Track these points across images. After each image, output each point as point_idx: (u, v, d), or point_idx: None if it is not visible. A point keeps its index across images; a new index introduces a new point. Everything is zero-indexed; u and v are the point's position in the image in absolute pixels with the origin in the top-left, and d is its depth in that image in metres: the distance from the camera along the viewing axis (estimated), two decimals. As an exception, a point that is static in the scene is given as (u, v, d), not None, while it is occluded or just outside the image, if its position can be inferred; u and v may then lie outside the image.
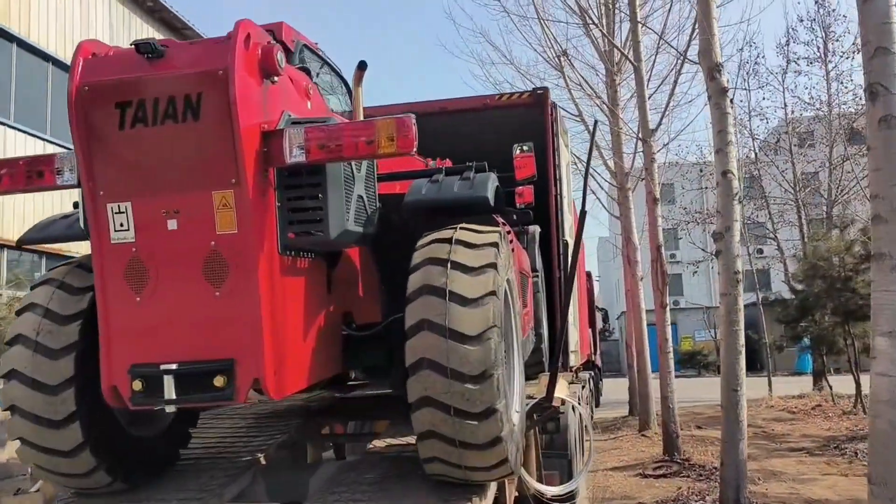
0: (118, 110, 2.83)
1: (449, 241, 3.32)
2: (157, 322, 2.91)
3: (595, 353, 19.19)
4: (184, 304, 2.91)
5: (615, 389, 23.13)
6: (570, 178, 8.06)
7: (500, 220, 4.42)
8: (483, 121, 7.32)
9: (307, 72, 3.89)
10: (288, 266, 3.13)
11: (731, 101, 7.12)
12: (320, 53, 5.07)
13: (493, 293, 3.15)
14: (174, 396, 2.83)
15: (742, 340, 7.20)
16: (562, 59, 12.55)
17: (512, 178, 6.63)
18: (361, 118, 4.02)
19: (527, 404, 4.48)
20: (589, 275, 18.16)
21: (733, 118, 7.14)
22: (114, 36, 15.29)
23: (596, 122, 4.92)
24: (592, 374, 18.07)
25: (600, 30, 12.49)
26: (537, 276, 6.46)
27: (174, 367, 2.83)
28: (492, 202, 3.48)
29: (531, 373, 6.62)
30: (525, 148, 6.46)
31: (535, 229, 6.78)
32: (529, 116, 7.15)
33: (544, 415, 4.67)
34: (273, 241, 3.00)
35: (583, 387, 12.93)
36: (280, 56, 2.99)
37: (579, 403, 9.86)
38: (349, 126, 2.93)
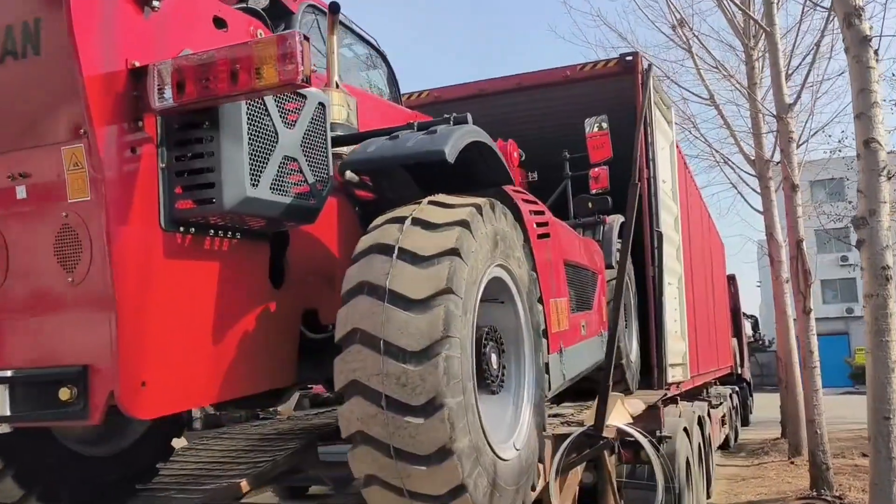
0: None
1: (402, 220, 2.50)
2: (7, 316, 2.32)
3: (742, 366, 17.21)
4: (35, 294, 2.29)
5: (773, 407, 20.68)
6: (674, 160, 6.85)
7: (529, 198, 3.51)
8: (566, 96, 6.36)
9: (261, 17, 3.19)
10: (182, 246, 2.42)
11: (876, 52, 5.63)
12: (344, 22, 4.39)
13: (447, 291, 2.33)
14: (8, 412, 2.20)
15: (895, 354, 5.67)
16: (680, 30, 11.10)
17: (587, 159, 5.67)
18: (337, 77, 3.27)
19: (571, 434, 3.52)
20: (731, 278, 16.29)
21: (878, 74, 5.65)
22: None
23: (650, 65, 3.86)
24: (737, 389, 16.20)
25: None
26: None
27: (8, 374, 2.21)
28: (450, 158, 2.59)
29: (616, 390, 5.56)
30: (604, 125, 5.47)
31: (615, 219, 5.73)
32: (619, 87, 6.10)
33: (594, 448, 3.65)
34: (151, 212, 2.31)
35: (714, 405, 11.39)
36: None
37: (700, 424, 8.51)
38: (224, 52, 2.18)
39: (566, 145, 5.99)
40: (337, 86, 3.26)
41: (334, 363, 2.36)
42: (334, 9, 3.26)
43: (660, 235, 5.70)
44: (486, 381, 2.73)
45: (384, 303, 2.31)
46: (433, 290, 2.32)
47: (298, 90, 2.71)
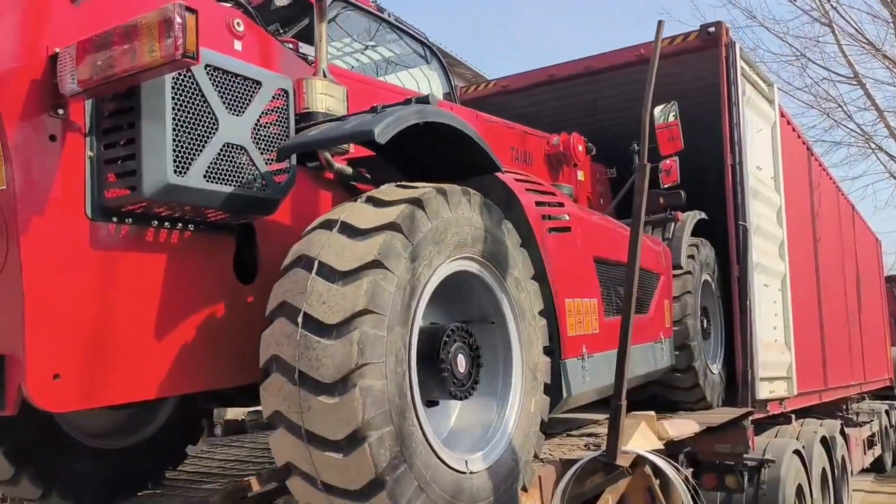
0: None
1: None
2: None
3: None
4: (-35, 284, 2.31)
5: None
6: (777, 144, 6.10)
7: (522, 182, 3.18)
8: (640, 78, 5.81)
9: (247, 11, 3.09)
10: (114, 237, 2.36)
11: None
12: (383, 16, 4.27)
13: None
14: (-70, 401, 2.23)
15: None
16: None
17: (657, 151, 5.17)
18: (324, 66, 3.12)
19: (581, 459, 3.14)
20: (892, 279, 14.51)
21: None
22: None
23: (660, 22, 3.37)
24: (896, 404, 14.38)
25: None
26: (688, 275, 4.90)
27: (-68, 364, 2.24)
28: (380, 139, 2.34)
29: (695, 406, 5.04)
30: (674, 115, 4.96)
31: (690, 216, 5.20)
32: (700, 64, 5.52)
33: (608, 478, 3.22)
34: (74, 201, 2.26)
35: (856, 423, 10.14)
36: None
37: (826, 445, 7.53)
38: (118, 30, 2.09)
39: (639, 134, 5.49)
40: (325, 74, 3.11)
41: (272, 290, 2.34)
42: None
43: (744, 230, 5.05)
44: (443, 373, 2.49)
45: (332, 232, 2.31)
46: (380, 222, 2.28)
47: (256, 77, 2.63)
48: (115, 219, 2.36)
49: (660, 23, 3.28)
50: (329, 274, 2.21)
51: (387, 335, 2.18)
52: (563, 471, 2.97)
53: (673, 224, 5.15)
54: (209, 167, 2.41)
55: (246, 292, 2.81)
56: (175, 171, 2.30)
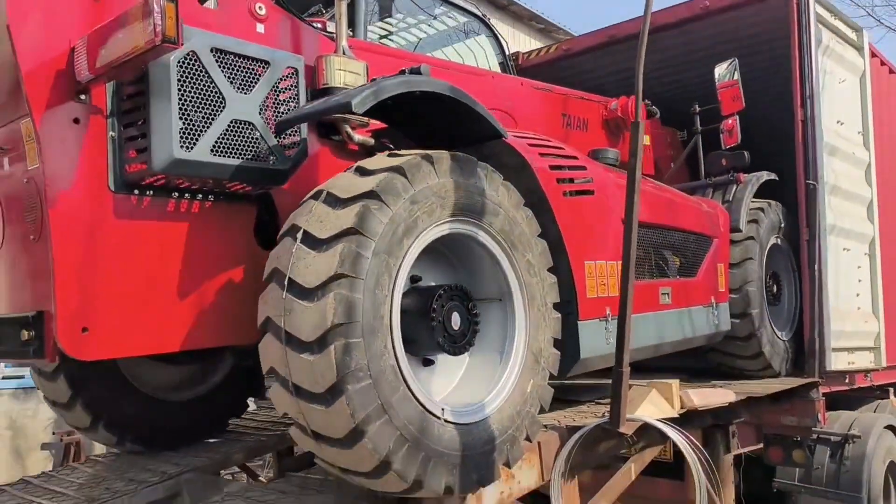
0: None
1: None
2: (3, 270, 2.74)
3: None
4: (15, 250, 2.68)
5: None
6: (866, 96, 5.66)
7: (525, 145, 3.21)
8: (707, 34, 5.56)
9: None
10: (136, 207, 2.64)
11: None
12: None
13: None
14: (-11, 350, 2.62)
15: None
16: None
17: (717, 111, 4.98)
18: (344, 44, 3.26)
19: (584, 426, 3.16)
20: None
21: None
22: None
23: None
24: None
25: None
26: (750, 240, 4.74)
27: (-7, 318, 2.62)
28: (357, 109, 2.46)
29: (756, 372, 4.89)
30: (736, 74, 4.76)
31: (753, 177, 4.98)
32: (770, 14, 5.21)
33: (616, 446, 3.20)
34: (98, 176, 2.55)
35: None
36: None
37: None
38: (116, 20, 2.32)
39: (706, 93, 5.27)
40: (343, 51, 3.25)
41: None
42: None
43: (814, 189, 4.76)
44: (433, 323, 2.60)
45: (345, 172, 2.56)
46: (387, 165, 2.48)
47: (259, 56, 2.81)
48: (136, 191, 2.64)
49: None
50: (332, 201, 2.44)
51: (371, 258, 2.35)
52: (568, 437, 3.01)
53: (735, 186, 4.95)
54: (216, 142, 2.63)
55: (264, 256, 3.03)
56: (182, 147, 2.53)
